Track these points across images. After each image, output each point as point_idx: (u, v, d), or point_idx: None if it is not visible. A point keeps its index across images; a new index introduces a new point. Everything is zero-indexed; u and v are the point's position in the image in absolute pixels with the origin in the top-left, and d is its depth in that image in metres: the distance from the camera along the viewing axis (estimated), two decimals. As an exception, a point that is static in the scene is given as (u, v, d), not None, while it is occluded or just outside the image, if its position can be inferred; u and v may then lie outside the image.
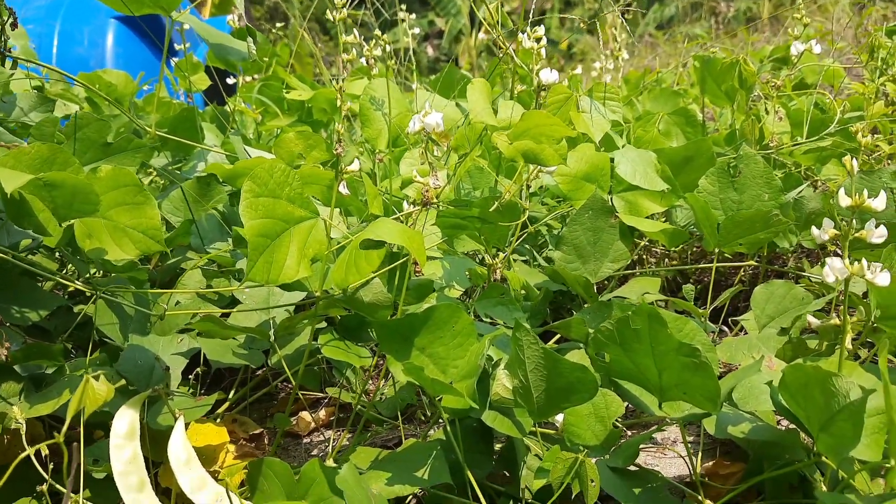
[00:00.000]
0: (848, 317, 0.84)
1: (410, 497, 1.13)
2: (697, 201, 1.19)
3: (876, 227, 0.82)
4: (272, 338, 1.18)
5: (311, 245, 0.88)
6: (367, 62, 1.57)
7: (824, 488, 0.87)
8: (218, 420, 1.26)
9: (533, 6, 1.26)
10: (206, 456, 1.18)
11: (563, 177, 1.29)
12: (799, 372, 0.83)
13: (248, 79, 2.09)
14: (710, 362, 0.83)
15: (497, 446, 1.14)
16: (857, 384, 0.78)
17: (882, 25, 2.16)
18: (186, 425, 1.21)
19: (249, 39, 1.23)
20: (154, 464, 1.16)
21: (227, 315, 1.28)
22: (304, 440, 1.34)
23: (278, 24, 3.73)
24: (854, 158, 0.80)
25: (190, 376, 1.28)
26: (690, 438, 1.17)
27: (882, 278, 0.81)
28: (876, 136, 1.74)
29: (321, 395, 1.43)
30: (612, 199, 1.33)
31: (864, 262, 0.80)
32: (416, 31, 2.31)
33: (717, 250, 1.22)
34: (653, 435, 1.18)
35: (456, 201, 1.08)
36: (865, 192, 0.80)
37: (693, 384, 0.86)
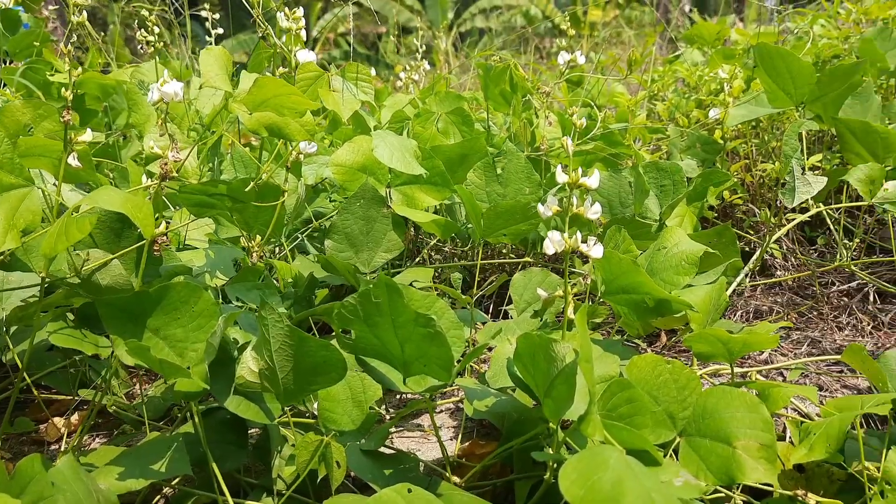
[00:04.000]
0: (570, 288, 0.89)
1: (159, 497, 1.06)
2: (465, 192, 1.23)
3: (592, 205, 0.87)
4: (5, 331, 1.07)
5: (22, 215, 0.81)
6: (143, 48, 1.49)
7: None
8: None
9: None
10: (-79, 467, 1.04)
11: (338, 167, 1.29)
12: (528, 341, 0.86)
13: (20, 65, 1.92)
14: (443, 332, 0.84)
15: (255, 439, 1.09)
16: (573, 348, 0.82)
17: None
18: None
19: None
20: None
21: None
22: (53, 447, 1.22)
23: (96, 30, 3.49)
24: (569, 139, 0.85)
25: None
26: (454, 423, 1.19)
27: (595, 251, 0.87)
28: (644, 146, 1.90)
29: (80, 398, 1.31)
30: (389, 191, 1.35)
31: (578, 234, 0.86)
32: (220, 30, 2.25)
33: (482, 240, 1.26)
34: (418, 421, 1.19)
35: (207, 182, 1.04)
36: (580, 170, 0.86)
37: (430, 354, 0.87)
